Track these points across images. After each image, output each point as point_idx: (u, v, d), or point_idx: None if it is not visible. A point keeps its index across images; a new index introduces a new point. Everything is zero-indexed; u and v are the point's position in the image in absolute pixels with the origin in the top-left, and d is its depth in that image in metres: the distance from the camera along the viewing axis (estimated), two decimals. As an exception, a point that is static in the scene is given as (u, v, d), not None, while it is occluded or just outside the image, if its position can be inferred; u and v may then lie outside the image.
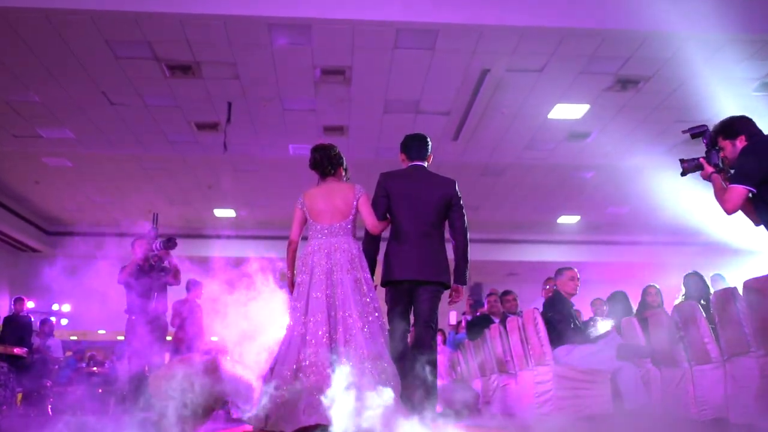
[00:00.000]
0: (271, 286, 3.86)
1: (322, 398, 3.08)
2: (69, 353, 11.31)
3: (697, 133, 3.20)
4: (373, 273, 3.67)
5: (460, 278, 3.82)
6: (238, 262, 4.04)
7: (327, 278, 3.42)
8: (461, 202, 3.87)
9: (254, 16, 6.28)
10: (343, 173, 3.74)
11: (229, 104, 8.04)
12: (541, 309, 5.12)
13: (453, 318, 8.83)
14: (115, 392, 8.34)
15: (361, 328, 3.29)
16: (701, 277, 5.64)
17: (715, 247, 10.76)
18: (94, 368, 9.57)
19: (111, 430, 4.16)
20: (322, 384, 3.15)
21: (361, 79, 7.53)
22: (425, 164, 3.94)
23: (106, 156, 9.92)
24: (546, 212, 12.68)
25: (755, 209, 3.00)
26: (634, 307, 6.16)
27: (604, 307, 6.70)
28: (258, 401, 3.30)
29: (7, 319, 8.43)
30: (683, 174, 3.23)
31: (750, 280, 3.44)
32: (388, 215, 3.82)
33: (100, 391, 8.70)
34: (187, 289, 7.08)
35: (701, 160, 3.16)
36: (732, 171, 3.03)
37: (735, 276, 6.16)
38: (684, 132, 3.23)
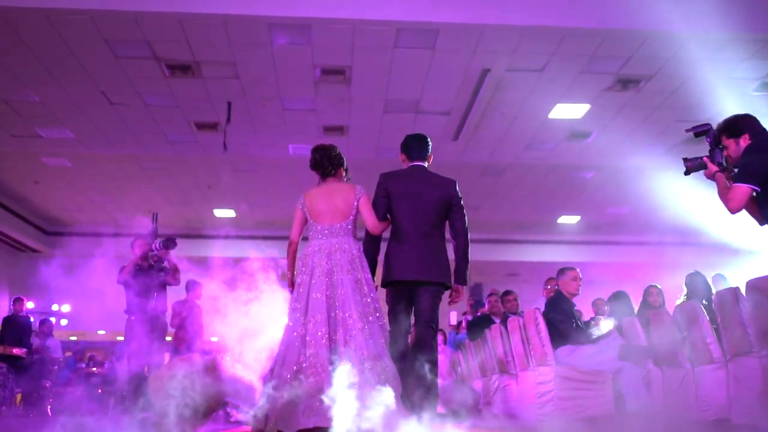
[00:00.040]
0: (271, 286, 3.85)
1: (322, 400, 3.07)
2: (68, 353, 11.31)
3: (701, 131, 3.18)
4: (373, 273, 3.65)
5: (461, 279, 3.81)
6: (238, 262, 4.03)
7: (327, 279, 3.40)
8: (462, 202, 3.86)
9: (254, 16, 6.26)
10: (344, 174, 3.74)
11: (229, 104, 8.02)
12: (542, 309, 5.11)
13: (453, 318, 8.81)
14: (115, 393, 8.33)
15: (361, 329, 3.28)
16: (703, 277, 5.63)
17: (715, 247, 10.74)
18: (94, 368, 9.57)
19: (110, 430, 4.15)
20: (322, 385, 3.14)
21: (361, 79, 7.52)
22: (426, 164, 3.93)
23: (106, 156, 9.90)
24: (546, 212, 12.67)
25: (759, 208, 2.98)
26: (636, 308, 6.14)
27: (606, 308, 6.68)
28: (258, 402, 3.29)
29: (6, 320, 8.41)
30: (687, 173, 3.21)
31: (753, 279, 3.42)
32: (388, 216, 3.81)
33: (99, 391, 8.70)
34: (187, 289, 7.07)
35: (705, 159, 3.14)
36: (736, 170, 3.01)
37: (736, 276, 6.15)
38: (687, 131, 3.21)
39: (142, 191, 11.29)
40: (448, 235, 3.86)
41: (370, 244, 3.80)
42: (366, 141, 9.19)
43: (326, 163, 3.63)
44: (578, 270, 5.03)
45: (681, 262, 8.16)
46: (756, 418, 3.37)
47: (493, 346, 5.96)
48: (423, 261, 3.70)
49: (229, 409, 4.05)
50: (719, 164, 3.10)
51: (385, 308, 3.73)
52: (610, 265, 12.90)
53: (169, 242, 5.48)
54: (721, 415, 3.78)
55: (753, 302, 3.44)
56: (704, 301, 4.88)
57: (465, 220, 3.85)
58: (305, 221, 3.62)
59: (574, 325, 4.78)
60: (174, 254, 5.64)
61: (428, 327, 3.71)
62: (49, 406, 8.13)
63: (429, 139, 4.01)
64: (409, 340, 3.79)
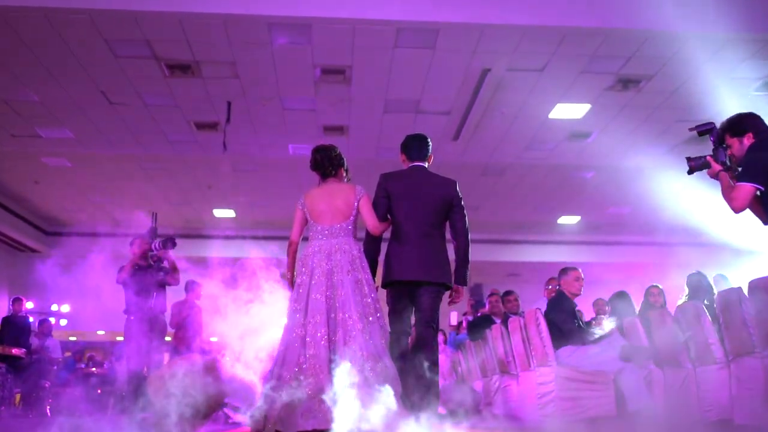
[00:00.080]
0: (270, 286, 3.83)
1: (321, 402, 3.06)
2: (68, 354, 11.29)
3: (704, 130, 3.17)
4: (374, 274, 3.64)
5: (461, 279, 3.80)
6: (238, 263, 4.02)
7: (327, 280, 3.39)
8: (462, 202, 3.85)
9: (254, 15, 6.25)
10: (344, 174, 3.73)
11: (229, 104, 8.01)
12: (543, 309, 5.08)
13: (454, 318, 8.80)
14: (114, 393, 8.31)
15: (361, 330, 3.26)
16: (705, 277, 5.61)
17: (716, 248, 10.73)
18: (93, 369, 9.57)
19: (110, 431, 4.13)
20: (321, 386, 3.13)
21: (361, 79, 7.50)
22: (426, 165, 3.92)
23: (106, 156, 9.89)
24: (546, 212, 12.66)
25: (763, 207, 2.97)
26: (637, 308, 6.12)
27: (607, 308, 6.67)
28: (257, 402, 3.28)
29: (5, 320, 8.40)
30: (690, 172, 3.19)
31: (756, 279, 3.41)
32: (388, 216, 3.80)
33: (98, 391, 8.68)
34: (186, 289, 7.06)
35: (708, 158, 3.12)
36: (740, 169, 3.00)
37: (736, 276, 6.13)
38: (691, 129, 3.19)
39: (141, 191, 11.28)
40: (448, 236, 3.85)
41: (371, 245, 3.79)
42: (366, 141, 9.18)
43: (327, 163, 3.63)
44: (580, 270, 5.01)
45: (681, 263, 8.15)
46: (758, 419, 3.35)
47: (494, 347, 5.94)
48: (423, 261, 3.70)
49: (226, 410, 4.04)
50: (723, 163, 3.08)
51: (386, 309, 3.71)
52: (610, 266, 12.89)
53: (169, 242, 5.47)
54: (723, 415, 3.77)
55: (756, 302, 3.43)
56: (706, 302, 4.87)
57: (465, 221, 3.84)
58: (305, 221, 3.61)
59: (577, 325, 4.76)
60: (173, 254, 5.63)
61: (429, 327, 3.70)
62: (48, 407, 8.12)
63: (429, 140, 4.00)
64: (410, 340, 3.78)
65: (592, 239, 13.67)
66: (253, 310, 3.83)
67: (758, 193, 2.90)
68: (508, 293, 7.18)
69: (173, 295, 6.25)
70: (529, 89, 7.71)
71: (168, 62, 7.11)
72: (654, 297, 6.06)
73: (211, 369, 3.56)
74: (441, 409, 4.20)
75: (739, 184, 2.92)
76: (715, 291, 5.27)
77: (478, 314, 7.89)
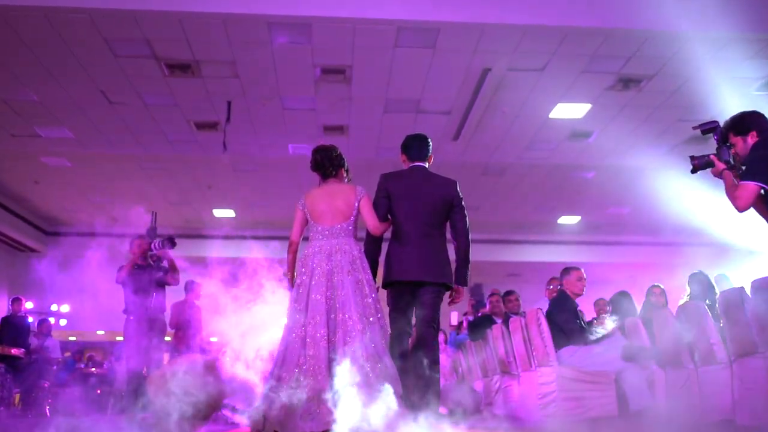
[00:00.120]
0: (270, 286, 3.82)
1: (321, 403, 3.05)
2: (67, 354, 11.28)
3: (708, 129, 3.15)
4: (374, 274, 3.64)
5: (461, 279, 3.80)
6: (238, 263, 4.01)
7: (327, 280, 3.39)
8: (463, 202, 3.84)
9: (254, 15, 6.24)
10: (345, 174, 3.73)
11: (229, 103, 8.00)
12: (544, 309, 5.07)
13: (454, 318, 8.79)
14: (114, 393, 8.31)
15: (361, 330, 3.26)
16: (706, 277, 5.59)
17: (717, 248, 10.72)
18: (93, 369, 9.56)
19: (109, 431, 4.12)
20: (321, 387, 3.13)
21: (361, 78, 7.49)
22: (426, 165, 3.91)
23: (105, 156, 9.88)
24: (547, 212, 12.65)
25: (767, 206, 2.95)
26: (638, 308, 6.11)
27: (608, 308, 6.65)
28: (257, 403, 3.26)
29: (5, 320, 8.39)
30: (694, 171, 3.17)
31: (759, 279, 3.39)
32: (389, 216, 3.79)
33: (98, 391, 8.67)
34: (186, 290, 7.06)
35: (712, 156, 3.10)
36: (743, 167, 2.98)
37: (737, 276, 6.12)
38: (695, 128, 3.17)
39: (141, 191, 11.26)
40: (448, 236, 3.84)
41: (371, 245, 3.79)
42: (366, 141, 9.17)
43: (327, 164, 3.62)
44: (583, 270, 4.99)
45: (682, 263, 8.14)
46: (761, 420, 3.34)
47: (495, 347, 5.92)
48: (424, 261, 3.69)
49: (224, 411, 4.03)
50: (726, 162, 3.06)
51: (386, 309, 3.71)
52: (610, 266, 12.88)
53: (168, 241, 5.46)
54: (725, 416, 3.75)
55: (758, 302, 3.41)
56: (707, 301, 4.86)
57: (466, 221, 3.84)
58: (306, 222, 3.61)
59: (579, 325, 4.75)
60: (173, 254, 5.62)
61: (430, 327, 3.70)
62: (47, 407, 8.10)
63: (429, 140, 3.99)
64: (410, 340, 3.76)
65: (592, 239, 13.65)
66: (254, 309, 3.82)
67: (762, 191, 2.89)
68: (509, 293, 7.17)
69: (173, 295, 6.24)
70: (529, 89, 7.70)
71: (168, 62, 7.09)
72: (656, 297, 6.04)
73: (212, 369, 3.55)
74: (443, 409, 4.18)
75: (743, 182, 2.90)
76: (717, 291, 5.25)
77: (479, 314, 7.88)
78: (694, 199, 9.01)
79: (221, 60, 7.06)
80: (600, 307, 7.20)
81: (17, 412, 7.93)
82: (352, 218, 3.52)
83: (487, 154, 9.68)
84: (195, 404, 3.36)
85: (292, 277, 3.58)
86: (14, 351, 7.71)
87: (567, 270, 4.98)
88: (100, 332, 14.02)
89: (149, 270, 5.50)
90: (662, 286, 6.13)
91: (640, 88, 7.66)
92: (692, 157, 3.15)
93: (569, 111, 8.28)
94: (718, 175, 3.07)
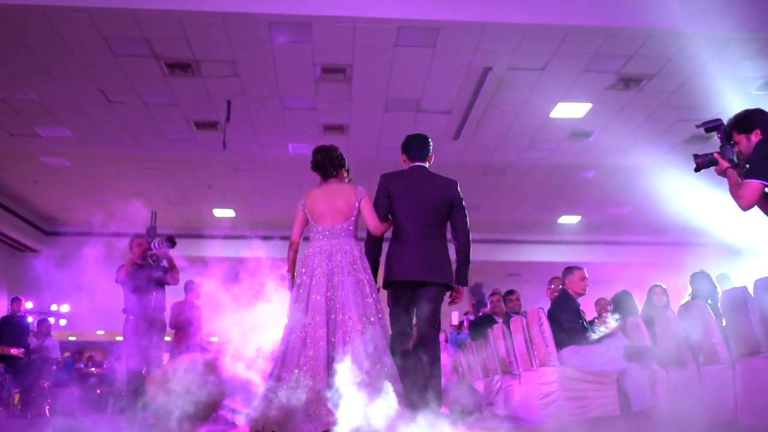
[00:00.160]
0: (270, 286, 3.81)
1: (321, 404, 3.04)
2: (67, 353, 11.27)
3: (711, 127, 3.14)
4: (375, 274, 3.62)
5: (462, 279, 3.79)
6: (238, 262, 4.00)
7: (327, 280, 3.38)
8: (463, 202, 3.83)
9: (254, 14, 6.23)
10: (345, 174, 3.72)
11: (229, 103, 7.98)
12: (545, 309, 5.05)
13: (455, 318, 8.78)
14: (114, 393, 8.30)
15: (361, 330, 3.25)
16: (708, 277, 5.57)
17: (717, 247, 10.70)
18: (92, 368, 9.55)
19: (109, 431, 4.11)
20: (321, 387, 3.12)
21: (361, 78, 7.48)
22: (426, 165, 3.90)
23: (105, 155, 9.86)
24: (547, 212, 12.64)
25: None
26: (640, 307, 6.09)
27: (609, 307, 6.64)
28: (256, 403, 3.25)
29: (4, 320, 8.36)
30: (697, 170, 3.16)
31: (761, 279, 3.38)
32: (389, 216, 3.77)
33: (98, 391, 8.66)
34: (186, 290, 7.04)
35: (715, 155, 3.09)
36: (747, 166, 2.96)
37: (738, 276, 6.10)
38: (698, 126, 3.16)
39: (141, 191, 11.23)
40: (449, 236, 3.83)
41: (372, 245, 3.77)
42: (366, 140, 9.15)
43: (328, 164, 3.61)
44: (585, 270, 4.98)
45: (682, 263, 8.11)
46: (764, 420, 3.32)
47: (496, 346, 5.91)
48: (424, 261, 3.68)
49: (223, 412, 4.02)
50: (730, 160, 3.05)
51: (387, 309, 3.69)
52: (611, 265, 12.88)
53: (168, 241, 5.45)
54: (727, 416, 3.74)
55: (761, 302, 3.40)
56: (709, 301, 4.84)
57: (466, 221, 3.83)
58: (306, 222, 3.60)
59: (581, 324, 4.73)
60: (173, 253, 5.61)
61: (430, 327, 3.69)
62: (47, 407, 8.09)
63: (430, 140, 3.98)
64: (411, 340, 3.75)
65: (592, 239, 13.64)
66: (253, 310, 3.80)
67: (766, 190, 2.87)
68: (510, 293, 7.15)
69: (173, 295, 6.22)
70: (530, 88, 7.69)
71: (167, 61, 7.08)
72: (657, 296, 6.02)
73: (212, 368, 3.53)
74: (444, 409, 4.17)
75: (747, 181, 2.89)
76: (719, 291, 5.24)
77: (480, 314, 7.86)
78: (694, 199, 9.00)
79: (221, 59, 7.04)
80: (601, 307, 7.19)
81: (17, 412, 7.91)
82: (353, 218, 3.51)
83: (487, 154, 9.67)
84: (195, 404, 3.34)
85: (293, 277, 3.57)
86: (14, 351, 7.68)
87: (570, 269, 4.96)
88: (100, 332, 14.01)
89: (149, 269, 5.49)
90: (664, 286, 6.11)
91: (641, 88, 7.65)
92: (695, 156, 3.14)
93: (570, 110, 8.27)
94: (722, 173, 3.06)
